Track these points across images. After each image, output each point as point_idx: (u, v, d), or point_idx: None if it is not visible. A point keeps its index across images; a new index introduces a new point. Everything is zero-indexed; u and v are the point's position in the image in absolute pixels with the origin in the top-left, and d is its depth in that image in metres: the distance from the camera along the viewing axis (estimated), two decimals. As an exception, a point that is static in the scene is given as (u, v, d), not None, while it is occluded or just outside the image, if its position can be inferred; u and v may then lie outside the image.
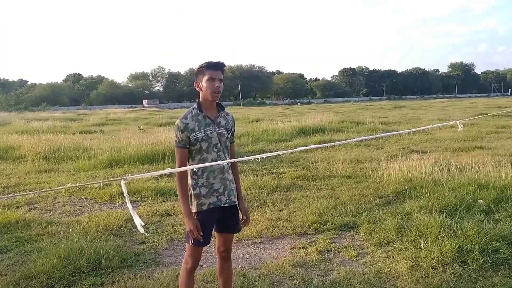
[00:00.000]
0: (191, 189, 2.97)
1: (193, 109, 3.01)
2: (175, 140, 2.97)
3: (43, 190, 2.99)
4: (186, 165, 2.93)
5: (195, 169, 2.91)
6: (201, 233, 2.92)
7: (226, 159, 3.03)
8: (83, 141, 14.23)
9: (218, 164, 2.93)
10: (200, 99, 3.01)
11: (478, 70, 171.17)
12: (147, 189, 7.15)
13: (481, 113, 23.97)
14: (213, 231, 3.13)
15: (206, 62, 2.96)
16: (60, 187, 5.09)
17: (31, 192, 3.36)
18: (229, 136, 3.08)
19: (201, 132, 2.93)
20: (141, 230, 2.44)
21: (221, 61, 2.99)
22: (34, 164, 10.53)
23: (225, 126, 3.05)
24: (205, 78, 2.94)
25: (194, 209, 2.97)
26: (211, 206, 2.98)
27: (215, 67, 2.95)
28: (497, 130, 15.45)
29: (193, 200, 2.97)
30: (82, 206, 6.67)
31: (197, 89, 3.01)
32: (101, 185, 7.48)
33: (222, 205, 3.02)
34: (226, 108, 3.16)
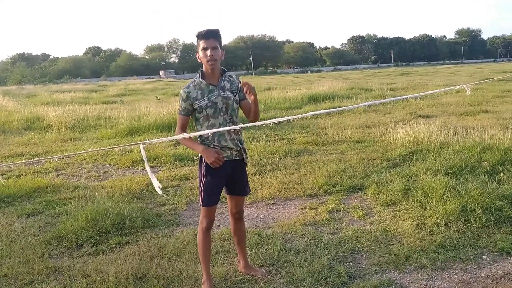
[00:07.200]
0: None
1: (196, 78, 2.94)
2: (178, 108, 2.97)
3: (67, 155, 3.05)
4: (184, 131, 2.87)
5: (208, 134, 2.84)
6: (224, 155, 2.89)
7: (235, 121, 2.95)
8: (105, 111, 14.32)
9: (233, 129, 2.88)
10: (203, 69, 2.95)
11: (485, 36, 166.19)
12: (166, 155, 7.22)
13: (487, 78, 23.37)
14: (224, 194, 3.14)
15: (198, 32, 2.86)
16: (83, 151, 5.18)
17: (55, 157, 3.41)
18: (235, 98, 2.97)
19: (204, 100, 2.87)
20: (159, 192, 2.45)
21: (212, 29, 2.86)
22: (60, 133, 10.69)
23: (230, 89, 2.95)
24: (199, 48, 2.86)
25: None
26: (225, 159, 2.92)
27: (204, 36, 2.83)
28: (502, 95, 15.06)
29: None
30: (106, 171, 6.78)
31: (198, 60, 2.94)
32: (122, 151, 7.57)
33: (233, 158, 2.98)
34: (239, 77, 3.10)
